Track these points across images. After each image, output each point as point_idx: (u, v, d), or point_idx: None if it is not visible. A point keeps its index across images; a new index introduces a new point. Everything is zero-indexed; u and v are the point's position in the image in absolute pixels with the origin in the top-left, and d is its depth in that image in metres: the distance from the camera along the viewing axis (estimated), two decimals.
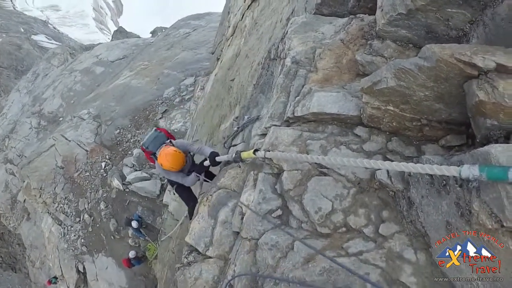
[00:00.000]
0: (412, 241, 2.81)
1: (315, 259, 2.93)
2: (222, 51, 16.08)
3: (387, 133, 3.54)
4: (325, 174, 3.48)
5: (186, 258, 3.93)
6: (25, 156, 23.60)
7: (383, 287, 2.62)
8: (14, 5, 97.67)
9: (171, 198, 14.36)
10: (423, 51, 2.85)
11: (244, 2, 14.04)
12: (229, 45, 14.66)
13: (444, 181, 2.56)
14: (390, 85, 3.10)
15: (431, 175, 2.67)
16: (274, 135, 3.98)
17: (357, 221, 3.10)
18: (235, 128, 5.65)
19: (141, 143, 6.85)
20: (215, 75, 14.98)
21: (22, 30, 70.85)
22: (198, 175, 6.09)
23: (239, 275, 3.26)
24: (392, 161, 3.17)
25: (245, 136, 5.24)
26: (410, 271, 2.67)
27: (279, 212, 3.44)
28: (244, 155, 4.30)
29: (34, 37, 66.38)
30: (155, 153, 6.40)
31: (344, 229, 3.12)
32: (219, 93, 12.61)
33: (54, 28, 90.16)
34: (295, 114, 4.05)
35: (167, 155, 5.80)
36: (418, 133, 3.36)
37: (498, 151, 2.18)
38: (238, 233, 3.65)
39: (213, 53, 18.78)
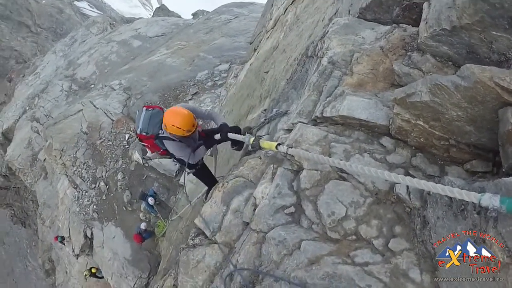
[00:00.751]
0: (420, 261, 2.77)
1: (320, 263, 2.91)
2: (260, 42, 16.07)
3: (413, 148, 3.48)
4: (344, 179, 3.46)
5: (192, 240, 3.95)
6: (52, 117, 24.06)
7: None
8: None
9: (188, 179, 14.43)
10: (462, 70, 2.79)
11: None
12: (268, 38, 14.65)
13: (462, 206, 2.52)
14: (424, 99, 3.05)
15: (450, 198, 2.62)
16: (300, 132, 3.97)
17: (368, 232, 3.06)
18: (262, 119, 5.63)
19: (137, 131, 5.84)
20: (250, 64, 15.00)
21: None
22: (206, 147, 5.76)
23: (241, 269, 3.26)
24: (413, 177, 3.13)
25: (270, 129, 5.23)
26: None
27: (292, 209, 3.43)
28: (264, 144, 4.26)
29: (77, 3, 67.37)
30: (158, 134, 5.62)
31: (354, 237, 3.09)
32: (252, 83, 12.64)
33: None
34: (324, 115, 4.03)
35: (175, 114, 5.16)
36: (444, 153, 3.29)
37: None
38: (247, 223, 3.65)
39: (251, 43, 18.78)
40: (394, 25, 4.87)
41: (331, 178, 3.50)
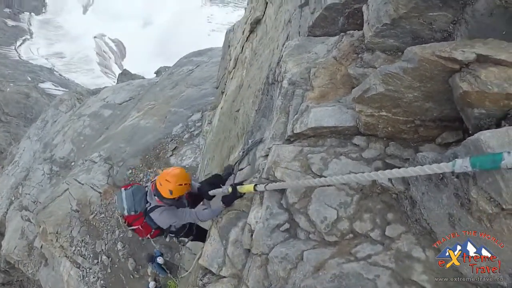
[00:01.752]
0: (420, 240, 2.85)
1: (325, 267, 2.97)
2: (225, 84, 16.34)
3: (384, 139, 3.61)
4: (328, 185, 3.54)
5: (201, 280, 3.98)
6: (40, 202, 23.61)
7: None
8: (19, 54, 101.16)
9: None
10: (405, 53, 2.97)
11: (243, 34, 14.36)
12: (232, 78, 14.92)
13: (441, 175, 2.62)
14: (379, 90, 3.20)
15: None
16: (276, 153, 4.05)
17: (363, 226, 3.14)
18: (241, 153, 5.73)
19: (123, 213, 5.52)
20: (221, 108, 15.18)
21: (29, 79, 72.90)
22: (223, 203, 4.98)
23: None
24: (391, 164, 3.28)
25: (250, 159, 5.31)
26: (421, 269, 2.70)
27: (286, 225, 3.49)
28: (243, 190, 4.34)
29: (41, 85, 68.07)
30: (147, 209, 5.39)
31: (351, 235, 3.16)
32: (226, 125, 12.77)
33: (60, 75, 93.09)
34: (295, 131, 4.15)
35: (173, 175, 5.02)
36: (414, 135, 3.43)
37: (487, 137, 2.25)
38: (249, 250, 3.70)
39: (217, 88, 19.08)
40: (342, 33, 5.08)
41: (315, 187, 3.59)
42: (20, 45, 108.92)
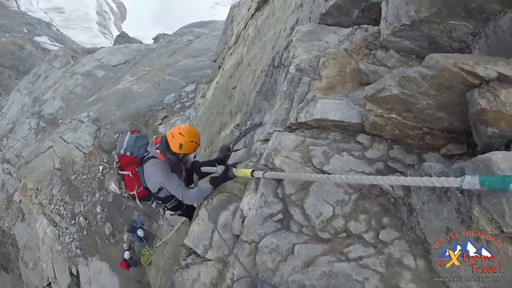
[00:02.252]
0: (412, 248, 2.84)
1: (315, 264, 2.96)
2: (224, 59, 16.16)
3: (389, 140, 3.57)
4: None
5: (185, 260, 3.94)
6: (23, 157, 23.36)
7: None
8: (18, 5, 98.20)
9: None
10: (426, 60, 2.91)
11: (248, 11, 14.15)
12: (231, 54, 14.75)
13: (445, 188, 2.59)
14: (394, 92, 3.14)
15: None
16: (277, 140, 4.00)
17: (357, 227, 3.12)
18: (238, 133, 5.66)
19: (120, 152, 5.52)
20: (217, 82, 15.05)
21: (25, 31, 70.98)
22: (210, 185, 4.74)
23: (238, 279, 3.28)
24: (393, 168, 3.25)
25: (247, 142, 5.25)
26: (410, 277, 2.70)
27: (280, 216, 3.46)
28: (238, 173, 4.24)
29: (37, 38, 66.50)
30: (144, 157, 5.27)
31: (344, 234, 3.14)
32: (220, 100, 12.66)
33: (57, 30, 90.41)
34: (298, 120, 4.08)
35: (185, 130, 4.86)
36: (420, 142, 3.39)
37: (499, 158, 2.23)
38: (238, 236, 3.67)
39: (215, 61, 18.85)
40: (355, 26, 4.99)
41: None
42: None
